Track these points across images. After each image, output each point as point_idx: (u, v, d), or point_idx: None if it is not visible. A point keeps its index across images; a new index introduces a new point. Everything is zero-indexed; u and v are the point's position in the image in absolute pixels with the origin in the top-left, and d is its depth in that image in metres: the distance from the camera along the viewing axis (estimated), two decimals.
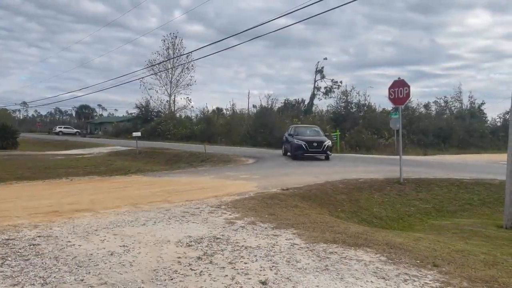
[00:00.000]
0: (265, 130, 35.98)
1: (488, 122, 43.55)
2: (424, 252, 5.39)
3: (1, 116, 44.05)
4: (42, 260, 4.80)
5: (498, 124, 41.89)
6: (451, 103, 44.37)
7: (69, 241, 5.62)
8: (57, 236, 5.87)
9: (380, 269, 4.67)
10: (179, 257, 4.97)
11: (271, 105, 42.30)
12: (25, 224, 6.64)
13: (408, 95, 12.42)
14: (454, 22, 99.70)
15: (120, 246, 5.40)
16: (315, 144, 19.16)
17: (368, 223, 9.42)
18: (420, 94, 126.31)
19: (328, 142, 19.69)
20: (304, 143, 19.14)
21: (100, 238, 5.78)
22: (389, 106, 35.40)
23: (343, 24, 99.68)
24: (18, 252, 5.10)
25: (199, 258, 4.97)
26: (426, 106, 44.45)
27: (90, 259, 4.84)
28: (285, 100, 47.90)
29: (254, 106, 46.65)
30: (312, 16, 17.66)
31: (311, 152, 19.09)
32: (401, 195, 11.66)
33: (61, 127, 73.17)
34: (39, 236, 5.86)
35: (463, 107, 43.82)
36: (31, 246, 5.35)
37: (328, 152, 19.59)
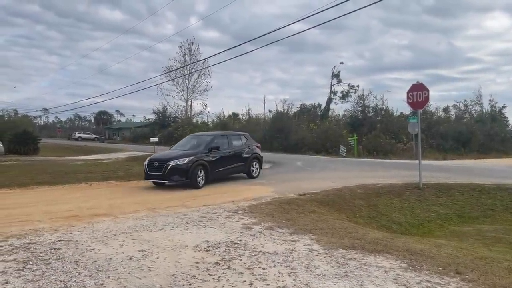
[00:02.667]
0: (281, 135, 35.90)
1: (510, 126, 42.58)
2: (446, 259, 5.26)
3: (22, 122, 44.93)
4: (62, 264, 4.86)
5: None
6: (471, 106, 43.50)
7: (88, 246, 5.68)
8: (77, 241, 5.94)
9: (401, 276, 4.58)
10: (197, 262, 4.97)
11: (287, 110, 42.24)
12: (46, 228, 6.75)
13: (427, 99, 12.23)
14: (472, 25, 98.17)
15: (139, 251, 5.43)
16: (155, 164, 12.17)
17: (387, 228, 9.28)
18: (439, 98, 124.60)
19: (179, 162, 11.92)
20: (148, 161, 12.64)
21: (119, 243, 5.82)
22: (406, 110, 34.97)
23: (358, 28, 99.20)
24: (40, 256, 5.18)
25: (217, 263, 4.96)
26: (445, 110, 43.76)
27: (109, 264, 4.88)
28: (301, 104, 47.75)
29: (270, 111, 46.69)
30: (327, 21, 17.57)
31: (151, 176, 12.44)
32: (420, 201, 11.46)
33: (80, 133, 74.39)
34: (59, 240, 5.94)
35: (484, 110, 42.91)
36: (52, 250, 5.42)
37: (177, 176, 11.93)
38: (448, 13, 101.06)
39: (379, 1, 12.55)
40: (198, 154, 12.29)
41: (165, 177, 11.82)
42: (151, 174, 12.21)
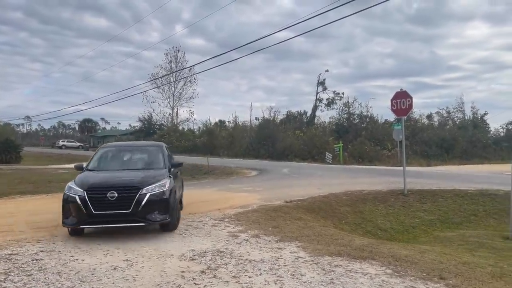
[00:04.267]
0: (267, 142, 35.97)
1: (491, 132, 43.42)
2: (430, 265, 5.32)
3: (4, 130, 44.08)
4: (45, 275, 4.77)
5: (501, 134, 41.75)
6: (453, 113, 44.28)
7: (72, 256, 5.59)
8: (60, 251, 5.84)
9: (386, 282, 4.61)
10: (183, 271, 4.93)
11: (273, 117, 42.39)
12: (28, 238, 6.62)
13: (410, 106, 12.42)
14: (453, 33, 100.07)
15: (124, 261, 5.37)
16: (112, 196, 6.45)
17: (372, 235, 9.35)
18: (422, 105, 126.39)
19: (158, 187, 6.82)
20: (88, 192, 6.53)
21: (103, 253, 5.74)
22: (391, 117, 35.40)
23: (343, 37, 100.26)
24: (21, 267, 5.08)
25: (202, 272, 4.93)
26: (429, 117, 44.41)
27: (93, 274, 4.81)
28: (287, 112, 47.96)
29: (256, 118, 46.74)
30: (312, 30, 17.73)
31: (101, 217, 6.52)
32: (405, 207, 11.58)
33: (64, 141, 73.35)
34: (42, 251, 5.83)
35: (466, 117, 43.70)
36: (34, 261, 5.32)
37: (157, 215, 6.70)
38: (430, 22, 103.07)
39: (362, 10, 12.74)
40: (166, 174, 7.40)
41: (137, 215, 6.47)
42: (100, 215, 6.41)
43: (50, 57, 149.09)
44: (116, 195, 6.40)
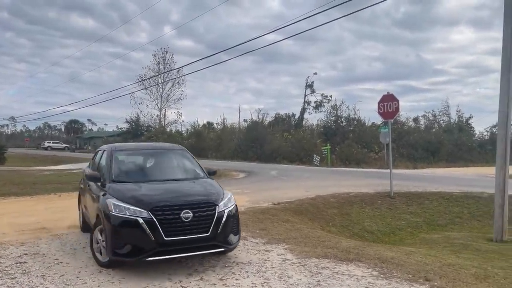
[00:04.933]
0: (255, 144, 36.01)
1: (476, 135, 44.12)
2: (415, 266, 5.38)
3: None
4: (29, 278, 4.70)
5: (486, 137, 42.42)
6: (439, 117, 44.92)
7: (56, 259, 5.51)
8: (44, 254, 5.76)
9: (372, 284, 4.64)
10: (170, 274, 4.90)
11: (262, 120, 42.45)
12: (11, 241, 6.51)
13: (397, 109, 12.55)
14: (439, 38, 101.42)
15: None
16: (187, 216, 4.91)
17: (359, 237, 9.41)
18: (409, 108, 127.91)
19: (231, 202, 5.51)
20: (147, 214, 4.85)
21: (88, 255, 5.67)
22: (378, 120, 35.69)
23: (331, 40, 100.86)
24: (5, 270, 4.99)
25: (189, 274, 4.91)
26: (415, 120, 44.95)
27: (78, 277, 4.75)
28: (275, 114, 48.02)
29: (245, 121, 46.74)
30: (300, 32, 17.83)
31: (174, 245, 4.88)
32: (391, 209, 11.69)
33: (49, 142, 72.32)
34: (26, 254, 5.75)
35: (451, 121, 44.35)
36: (18, 264, 5.24)
37: (232, 237, 5.38)
38: (416, 26, 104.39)
39: (350, 14, 12.84)
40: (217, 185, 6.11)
41: (218, 239, 5.14)
42: (173, 242, 4.87)
43: (36, 57, 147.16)
44: (191, 214, 4.90)
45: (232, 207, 5.41)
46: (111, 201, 5.01)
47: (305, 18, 12.58)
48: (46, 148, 66.29)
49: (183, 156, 6.82)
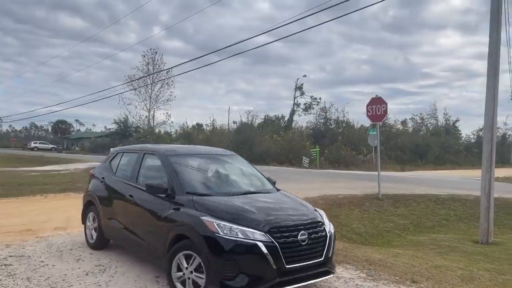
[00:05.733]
0: (245, 146, 36.01)
1: (463, 138, 44.77)
2: (403, 268, 5.43)
3: None
4: (14, 281, 4.63)
5: (472, 140, 43.08)
6: (427, 120, 45.50)
7: (42, 261, 5.44)
8: (29, 256, 5.68)
9: (360, 286, 4.67)
10: (158, 276, 4.87)
11: (251, 121, 42.52)
12: None
13: (385, 112, 12.66)
14: (427, 41, 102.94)
15: (96, 266, 5.26)
16: (303, 239, 4.16)
17: (347, 239, 9.45)
18: (397, 111, 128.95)
19: (328, 222, 4.73)
20: (267, 237, 3.99)
21: (75, 258, 5.61)
22: (367, 122, 36.04)
23: (320, 42, 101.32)
24: None
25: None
26: (403, 122, 45.49)
27: (64, 280, 4.69)
28: (265, 116, 48.23)
29: (234, 122, 46.76)
30: (290, 35, 17.86)
31: (295, 271, 4.07)
32: (380, 211, 11.77)
33: (36, 143, 71.34)
34: (11, 256, 5.65)
35: (439, 124, 44.95)
36: (3, 267, 5.15)
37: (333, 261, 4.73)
38: (405, 30, 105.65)
39: (340, 17, 12.93)
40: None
41: (329, 264, 4.50)
42: (294, 271, 4.07)
43: (22, 56, 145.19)
44: (307, 236, 4.18)
45: (331, 225, 4.68)
46: (211, 220, 4.03)
47: (295, 21, 12.61)
48: (32, 149, 65.38)
49: (242, 163, 6.21)
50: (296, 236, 4.07)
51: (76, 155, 48.44)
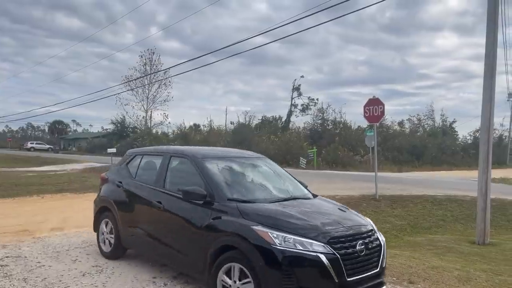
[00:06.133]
0: (242, 147, 35.98)
1: (460, 139, 44.90)
2: (400, 269, 5.44)
3: None
4: (10, 282, 4.61)
5: (469, 141, 43.23)
6: (424, 121, 45.60)
7: (39, 262, 5.42)
8: (26, 257, 5.66)
9: None
10: (154, 277, 4.86)
11: (249, 122, 42.54)
12: None
13: (382, 113, 12.69)
14: (424, 43, 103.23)
15: (93, 266, 5.25)
16: (361, 250, 3.90)
17: None
18: (394, 112, 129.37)
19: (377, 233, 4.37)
20: (328, 249, 3.70)
21: (71, 258, 5.60)
22: (364, 123, 36.08)
23: (317, 44, 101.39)
24: None
25: (174, 277, 4.88)
26: (400, 123, 45.56)
27: (60, 281, 4.68)
28: (262, 116, 48.26)
29: (231, 123, 46.78)
30: (287, 36, 17.81)
31: (355, 283, 3.80)
32: (377, 212, 11.78)
33: (33, 143, 71.07)
34: (7, 257, 5.64)
35: (436, 125, 45.06)
36: None
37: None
38: (402, 31, 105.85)
39: (337, 18, 12.96)
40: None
41: (383, 276, 4.26)
42: (354, 284, 3.80)
43: (19, 56, 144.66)
44: (364, 247, 3.93)
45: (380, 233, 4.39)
46: (265, 230, 3.75)
47: (292, 22, 12.62)
48: (29, 149, 65.12)
49: (273, 166, 5.86)
50: (355, 246, 3.84)
51: (73, 156, 48.30)
